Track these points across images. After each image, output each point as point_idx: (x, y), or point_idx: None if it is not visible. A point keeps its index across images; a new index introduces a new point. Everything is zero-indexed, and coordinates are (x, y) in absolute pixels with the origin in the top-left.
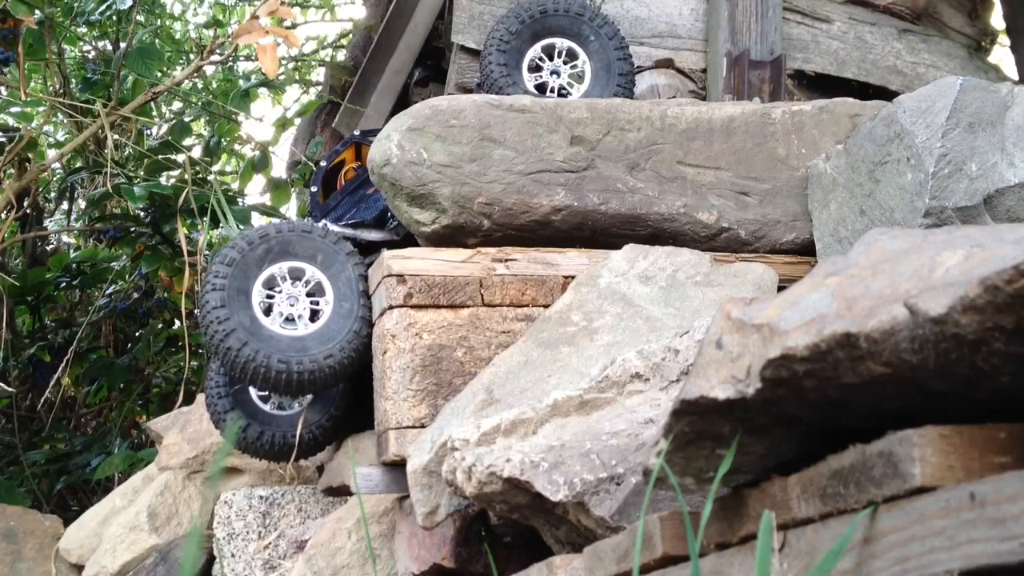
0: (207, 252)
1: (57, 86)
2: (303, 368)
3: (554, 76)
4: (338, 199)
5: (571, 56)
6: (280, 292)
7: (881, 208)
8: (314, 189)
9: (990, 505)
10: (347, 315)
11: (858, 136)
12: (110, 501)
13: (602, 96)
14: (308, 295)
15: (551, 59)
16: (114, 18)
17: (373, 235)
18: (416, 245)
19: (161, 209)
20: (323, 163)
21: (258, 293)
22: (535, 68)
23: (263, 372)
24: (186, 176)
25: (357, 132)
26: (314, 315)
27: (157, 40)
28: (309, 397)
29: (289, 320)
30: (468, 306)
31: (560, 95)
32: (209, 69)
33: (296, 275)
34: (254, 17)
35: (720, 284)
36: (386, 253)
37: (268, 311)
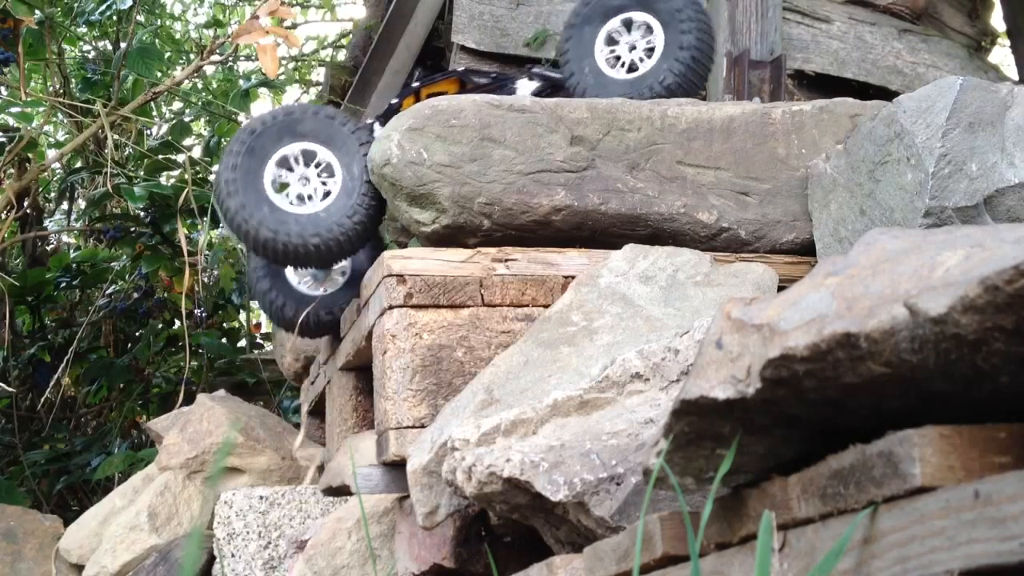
0: (207, 252)
1: (57, 86)
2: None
3: (632, 51)
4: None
5: (647, 29)
6: (294, 172)
7: (881, 208)
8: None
9: (990, 505)
10: (344, 201)
11: (858, 136)
12: (110, 501)
13: (668, 70)
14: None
15: (629, 32)
16: (114, 18)
17: None
18: None
19: (161, 209)
20: (394, 100)
21: (272, 169)
22: (611, 42)
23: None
24: (186, 176)
25: (416, 83)
26: (319, 196)
27: (157, 40)
28: (340, 283)
29: (300, 199)
30: (468, 306)
31: (631, 70)
32: (209, 69)
33: (310, 159)
34: (254, 17)
35: (720, 284)
36: (386, 253)
37: (277, 183)
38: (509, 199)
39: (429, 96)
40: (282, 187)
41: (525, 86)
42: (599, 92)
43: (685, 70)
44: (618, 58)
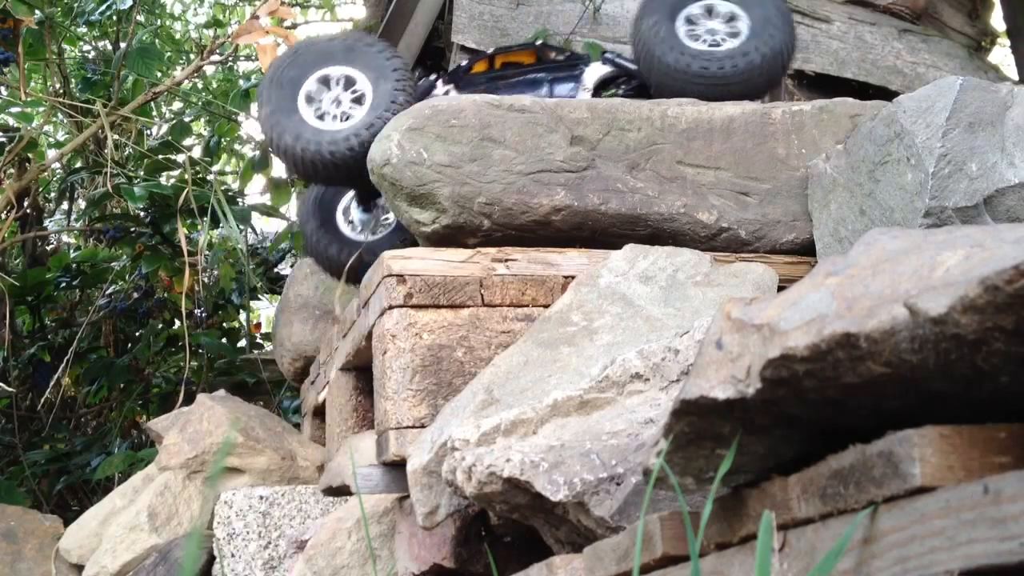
0: (207, 252)
1: (57, 86)
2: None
3: (709, 34)
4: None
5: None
6: (336, 91)
7: (881, 208)
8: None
9: (990, 505)
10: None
11: (858, 136)
12: (110, 501)
13: (748, 51)
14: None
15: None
16: (114, 18)
17: None
18: None
19: (161, 209)
20: (463, 63)
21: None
22: (690, 22)
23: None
24: (186, 176)
25: (490, 50)
26: (329, 118)
27: (157, 40)
28: (389, 228)
29: (316, 109)
30: (468, 306)
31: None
32: (209, 69)
33: (350, 83)
34: (254, 17)
35: (720, 284)
36: (386, 253)
37: (312, 100)
38: (509, 199)
39: (504, 64)
40: (318, 92)
41: (596, 69)
42: (675, 74)
43: (770, 52)
44: (698, 38)
